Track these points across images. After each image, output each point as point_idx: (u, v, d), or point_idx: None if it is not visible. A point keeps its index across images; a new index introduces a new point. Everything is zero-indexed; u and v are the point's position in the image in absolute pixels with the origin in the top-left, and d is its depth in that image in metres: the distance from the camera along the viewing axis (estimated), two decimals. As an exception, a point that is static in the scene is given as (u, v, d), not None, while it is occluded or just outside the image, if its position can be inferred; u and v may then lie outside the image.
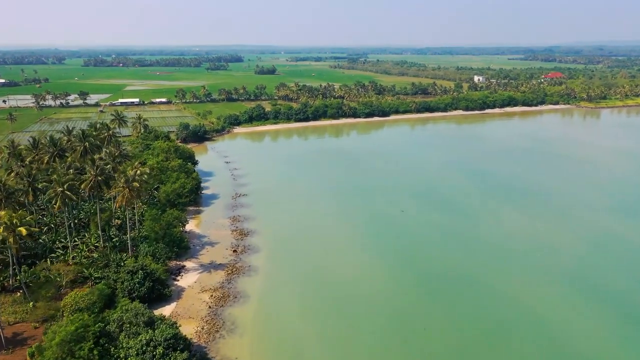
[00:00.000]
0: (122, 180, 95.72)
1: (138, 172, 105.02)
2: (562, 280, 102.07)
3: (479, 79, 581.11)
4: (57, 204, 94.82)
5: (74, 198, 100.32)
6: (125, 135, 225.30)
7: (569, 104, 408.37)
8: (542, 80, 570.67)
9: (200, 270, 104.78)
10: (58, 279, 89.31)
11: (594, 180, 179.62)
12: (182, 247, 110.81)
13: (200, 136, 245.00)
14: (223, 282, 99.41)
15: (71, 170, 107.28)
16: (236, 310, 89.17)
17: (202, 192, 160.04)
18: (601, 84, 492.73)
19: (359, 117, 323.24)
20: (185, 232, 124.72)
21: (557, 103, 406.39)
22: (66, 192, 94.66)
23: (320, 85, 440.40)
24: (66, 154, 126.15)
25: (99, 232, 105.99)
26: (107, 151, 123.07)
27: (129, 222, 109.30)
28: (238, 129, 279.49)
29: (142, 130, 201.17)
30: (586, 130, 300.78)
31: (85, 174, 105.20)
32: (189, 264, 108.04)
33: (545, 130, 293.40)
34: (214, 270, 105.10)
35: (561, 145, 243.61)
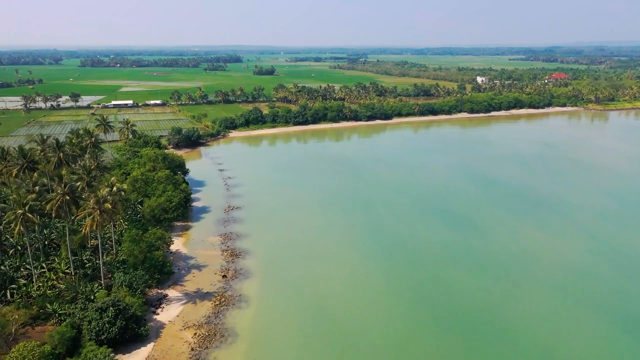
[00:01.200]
0: (92, 201, 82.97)
1: (114, 188, 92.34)
2: (599, 314, 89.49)
3: (482, 80, 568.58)
4: (17, 229, 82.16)
5: (36, 221, 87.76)
6: (113, 140, 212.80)
7: (576, 106, 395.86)
8: (547, 81, 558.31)
9: (184, 301, 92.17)
10: (5, 327, 72.88)
11: (614, 190, 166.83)
12: (164, 272, 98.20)
13: (194, 141, 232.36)
14: (209, 316, 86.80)
15: (37, 187, 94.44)
16: (223, 354, 76.60)
17: (192, 204, 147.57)
18: (608, 85, 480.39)
19: (361, 120, 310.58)
20: (170, 253, 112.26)
21: (564, 105, 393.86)
22: (27, 214, 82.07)
23: (320, 87, 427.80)
24: (38, 166, 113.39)
25: (70, 256, 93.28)
26: (82, 164, 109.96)
27: (103, 244, 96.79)
28: (234, 133, 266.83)
29: (131, 136, 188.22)
30: (598, 134, 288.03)
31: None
32: (172, 292, 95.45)
33: (555, 134, 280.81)
34: (200, 300, 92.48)
35: (574, 150, 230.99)
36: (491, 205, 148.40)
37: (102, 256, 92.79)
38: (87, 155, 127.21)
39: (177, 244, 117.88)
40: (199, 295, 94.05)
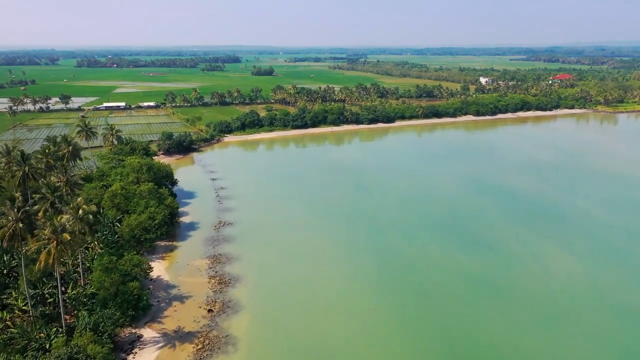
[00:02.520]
0: (47, 230, 69.53)
1: (80, 211, 78.87)
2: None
3: (486, 81, 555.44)
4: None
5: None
6: (98, 146, 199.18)
7: (584, 108, 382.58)
8: (551, 82, 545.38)
9: (161, 343, 78.73)
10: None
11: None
12: (140, 307, 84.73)
13: (186, 147, 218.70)
14: (190, 365, 73.47)
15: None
16: (202, 418, 63.29)
17: (180, 219, 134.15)
18: (615, 86, 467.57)
19: (362, 123, 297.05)
20: (150, 280, 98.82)
21: (572, 107, 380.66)
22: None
23: (320, 88, 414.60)
24: (1, 182, 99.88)
25: (28, 290, 79.75)
26: (45, 181, 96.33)
27: (70, 274, 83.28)
28: (229, 138, 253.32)
29: (116, 143, 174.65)
30: (614, 139, 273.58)
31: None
32: (147, 332, 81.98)
33: (568, 138, 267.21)
34: (179, 342, 79.05)
35: (592, 157, 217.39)
36: (509, 222, 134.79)
37: (63, 292, 79.43)
38: (64, 167, 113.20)
39: (159, 269, 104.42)
40: (179, 336, 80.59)
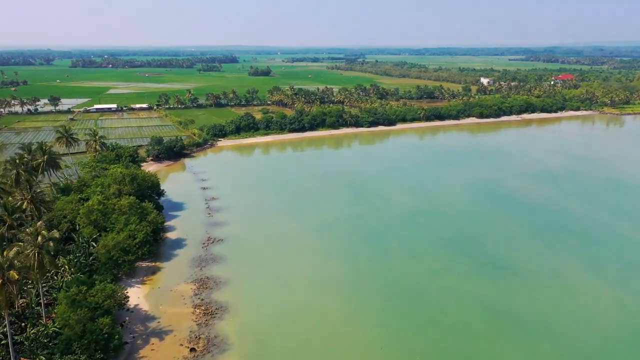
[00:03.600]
0: (-9, 267, 58.06)
1: (40, 239, 67.22)
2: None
3: (487, 82, 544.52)
4: None
5: None
6: (80, 152, 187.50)
7: (591, 109, 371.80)
8: (553, 82, 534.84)
9: (133, 394, 67.30)
10: None
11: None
12: (111, 348, 73.22)
13: (177, 152, 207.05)
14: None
15: None
16: None
17: (165, 235, 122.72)
18: (620, 87, 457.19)
19: (362, 126, 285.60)
20: (127, 310, 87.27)
21: (577, 109, 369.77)
22: None
23: (318, 89, 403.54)
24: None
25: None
26: (2, 201, 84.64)
27: (32, 308, 71.69)
28: (223, 142, 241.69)
29: (99, 149, 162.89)
30: (628, 143, 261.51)
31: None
32: (118, 378, 70.54)
33: (578, 143, 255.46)
34: (155, 392, 67.66)
35: (608, 164, 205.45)
36: (525, 239, 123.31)
37: (22, 331, 67.66)
38: (28, 182, 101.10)
39: (138, 296, 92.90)
40: (154, 384, 69.21)
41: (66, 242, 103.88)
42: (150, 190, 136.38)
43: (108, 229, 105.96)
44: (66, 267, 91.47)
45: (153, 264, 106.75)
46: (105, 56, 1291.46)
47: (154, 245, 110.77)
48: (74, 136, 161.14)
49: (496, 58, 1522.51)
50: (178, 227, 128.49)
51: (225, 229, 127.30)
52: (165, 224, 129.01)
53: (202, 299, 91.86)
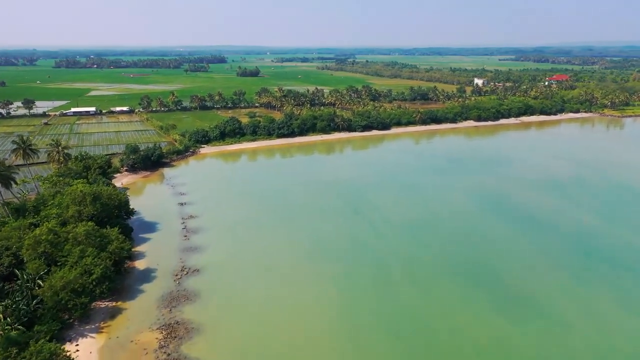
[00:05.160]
0: None
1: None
2: None
3: (482, 82, 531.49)
4: None
5: None
6: (42, 162, 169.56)
7: (591, 111, 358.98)
8: (547, 83, 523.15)
9: None
10: None
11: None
12: None
13: (155, 161, 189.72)
14: None
15: None
16: None
17: (133, 264, 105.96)
18: (617, 87, 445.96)
19: (355, 130, 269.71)
20: (73, 373, 70.56)
21: (577, 111, 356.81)
22: None
23: (308, 90, 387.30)
24: None
25: None
26: None
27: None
28: (206, 149, 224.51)
29: (63, 160, 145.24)
30: (635, 147, 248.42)
31: None
32: None
33: (584, 148, 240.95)
34: None
35: (620, 172, 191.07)
36: (547, 267, 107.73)
37: None
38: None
39: (90, 350, 76.13)
40: None
41: (8, 281, 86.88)
42: (117, 210, 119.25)
43: (59, 263, 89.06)
44: (0, 317, 74.51)
45: (113, 304, 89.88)
46: (92, 56, 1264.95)
47: (116, 280, 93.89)
48: (32, 147, 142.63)
49: (486, 58, 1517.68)
50: (148, 254, 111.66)
51: (202, 255, 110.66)
52: (134, 249, 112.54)
53: (169, 355, 75.25)
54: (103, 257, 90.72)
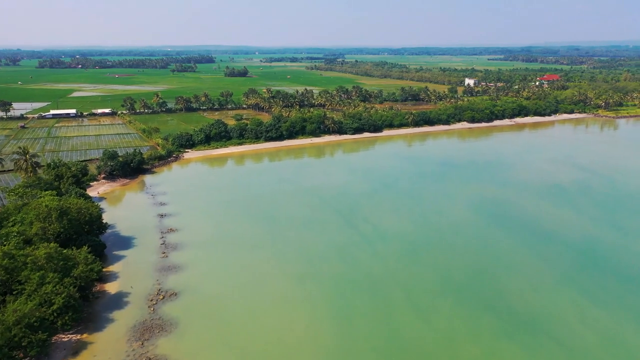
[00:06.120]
0: None
1: None
2: None
3: (473, 82, 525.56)
4: None
5: None
6: (9, 171, 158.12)
7: (585, 112, 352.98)
8: (538, 82, 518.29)
9: None
10: None
11: None
12: None
13: (135, 168, 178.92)
14: None
15: None
16: None
17: (103, 287, 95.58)
18: (609, 87, 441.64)
19: (346, 133, 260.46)
20: None
21: (571, 112, 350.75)
22: None
23: (297, 91, 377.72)
24: None
25: None
26: None
27: None
28: (190, 153, 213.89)
29: (32, 170, 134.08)
30: (636, 150, 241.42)
31: None
32: None
33: (582, 150, 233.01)
34: None
35: (623, 177, 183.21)
36: (556, 282, 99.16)
37: None
38: None
39: (47, 397, 65.94)
40: None
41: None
42: (88, 226, 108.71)
43: (15, 292, 78.60)
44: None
45: (78, 337, 79.45)
46: (77, 56, 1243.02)
47: (81, 309, 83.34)
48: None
49: (475, 58, 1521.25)
50: (122, 274, 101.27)
51: (181, 276, 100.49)
52: (106, 269, 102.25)
53: (138, 401, 65.31)
54: (66, 284, 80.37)
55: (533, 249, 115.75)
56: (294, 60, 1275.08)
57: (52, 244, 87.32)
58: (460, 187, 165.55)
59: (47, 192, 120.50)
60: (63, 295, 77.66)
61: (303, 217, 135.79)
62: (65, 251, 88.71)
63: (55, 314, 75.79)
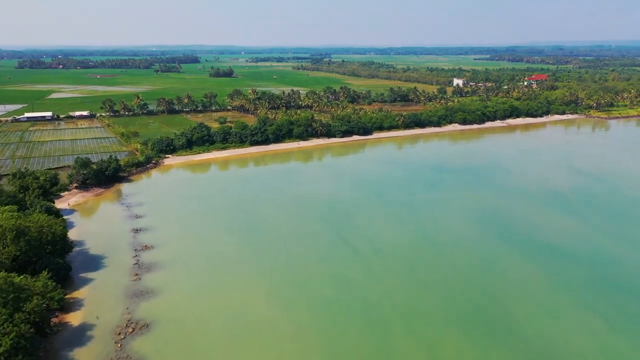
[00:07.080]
0: None
1: None
2: None
3: (462, 83, 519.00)
4: None
5: None
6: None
7: (576, 113, 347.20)
8: (527, 83, 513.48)
9: None
10: None
11: None
12: None
13: (111, 176, 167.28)
14: None
15: None
16: None
17: (65, 318, 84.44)
18: (599, 88, 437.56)
19: (334, 136, 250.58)
20: None
21: (563, 112, 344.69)
22: None
23: (283, 92, 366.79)
24: None
25: None
26: None
27: None
28: (171, 159, 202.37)
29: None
30: (635, 152, 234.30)
31: None
32: None
33: (580, 153, 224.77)
34: None
35: (624, 182, 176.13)
36: (570, 306, 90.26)
37: None
38: None
39: None
40: None
41: None
42: (50, 247, 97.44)
43: (-45, 332, 67.39)
44: None
45: (30, 383, 68.56)
46: (59, 56, 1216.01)
47: (38, 344, 72.45)
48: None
49: (461, 57, 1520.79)
50: (87, 302, 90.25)
51: (155, 302, 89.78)
52: (70, 295, 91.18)
53: None
54: (17, 321, 69.39)
55: (540, 265, 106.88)
56: (280, 60, 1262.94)
57: (1, 273, 76.07)
58: (456, 195, 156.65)
59: (6, 207, 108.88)
60: (11, 336, 66.68)
61: (291, 231, 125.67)
62: (18, 279, 77.58)
63: (1, 358, 64.81)
